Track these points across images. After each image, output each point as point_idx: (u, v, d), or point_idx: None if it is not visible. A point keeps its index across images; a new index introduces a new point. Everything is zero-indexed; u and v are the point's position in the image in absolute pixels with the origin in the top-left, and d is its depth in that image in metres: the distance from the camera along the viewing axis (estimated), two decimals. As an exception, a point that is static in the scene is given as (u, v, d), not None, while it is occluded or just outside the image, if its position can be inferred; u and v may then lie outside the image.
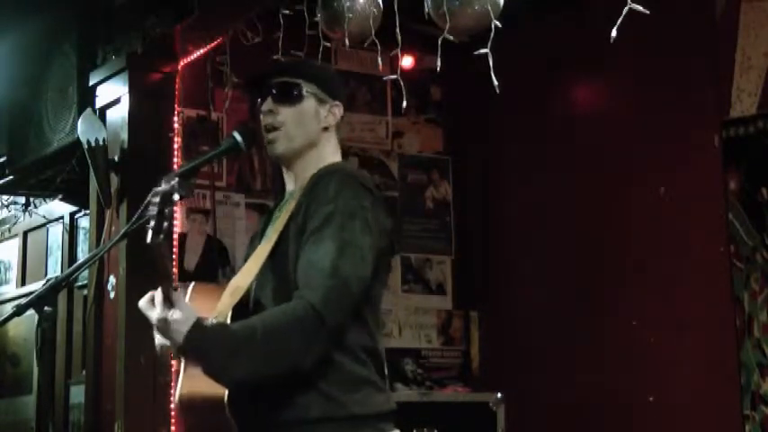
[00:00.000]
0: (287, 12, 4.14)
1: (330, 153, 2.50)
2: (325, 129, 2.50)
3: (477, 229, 5.76)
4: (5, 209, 6.99)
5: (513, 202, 5.55)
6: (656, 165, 4.74)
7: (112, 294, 4.84)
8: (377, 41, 3.69)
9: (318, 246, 2.24)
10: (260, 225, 2.57)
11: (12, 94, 5.80)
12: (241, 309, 2.29)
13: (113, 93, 4.97)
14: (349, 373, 2.27)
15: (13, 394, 7.00)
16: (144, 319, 2.16)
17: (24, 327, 6.70)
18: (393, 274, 5.37)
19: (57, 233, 6.72)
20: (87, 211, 5.57)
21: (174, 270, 4.81)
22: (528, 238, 5.44)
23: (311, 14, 3.98)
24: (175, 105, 4.97)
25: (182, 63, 4.94)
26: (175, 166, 4.80)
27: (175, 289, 2.11)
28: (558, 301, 5.14)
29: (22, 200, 6.72)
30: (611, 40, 2.73)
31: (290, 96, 2.46)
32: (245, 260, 2.44)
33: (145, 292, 2.17)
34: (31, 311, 2.28)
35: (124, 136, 4.86)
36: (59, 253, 6.66)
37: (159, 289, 2.10)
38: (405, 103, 3.68)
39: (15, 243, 7.29)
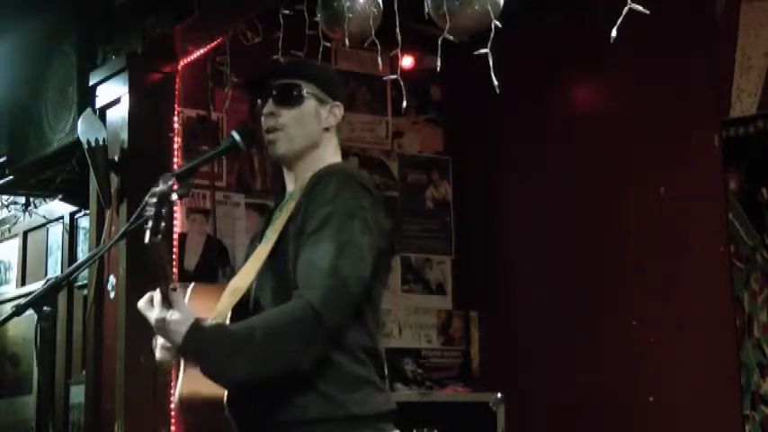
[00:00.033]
0: (287, 12, 4.14)
1: (330, 154, 2.50)
2: (326, 129, 2.50)
3: (477, 229, 5.76)
4: (5, 209, 6.99)
5: (513, 202, 5.55)
6: (656, 165, 4.74)
7: (112, 294, 4.84)
8: (377, 41, 3.69)
9: (317, 246, 2.24)
10: (260, 226, 2.57)
11: (12, 94, 5.80)
12: (241, 309, 2.28)
13: (113, 93, 4.97)
14: (348, 374, 2.27)
15: (13, 394, 7.00)
16: (144, 320, 2.17)
17: (24, 327, 6.70)
18: (393, 274, 5.37)
19: (57, 233, 6.72)
20: (87, 211, 5.57)
21: (174, 270, 4.81)
22: (528, 238, 5.44)
23: (311, 14, 3.98)
24: (175, 105, 4.97)
25: (182, 63, 4.95)
26: (175, 166, 4.80)
27: (174, 290, 2.11)
28: (558, 301, 5.14)
29: (22, 200, 6.72)
30: (611, 40, 2.73)
31: (290, 98, 2.46)
32: (246, 261, 2.44)
33: (145, 292, 2.17)
34: (30, 311, 2.28)
35: (124, 136, 4.86)
36: (59, 253, 6.66)
37: (158, 290, 2.11)
38: (405, 103, 3.68)
39: (15, 243, 7.29)
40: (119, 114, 4.95)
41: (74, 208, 6.37)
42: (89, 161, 4.82)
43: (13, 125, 5.78)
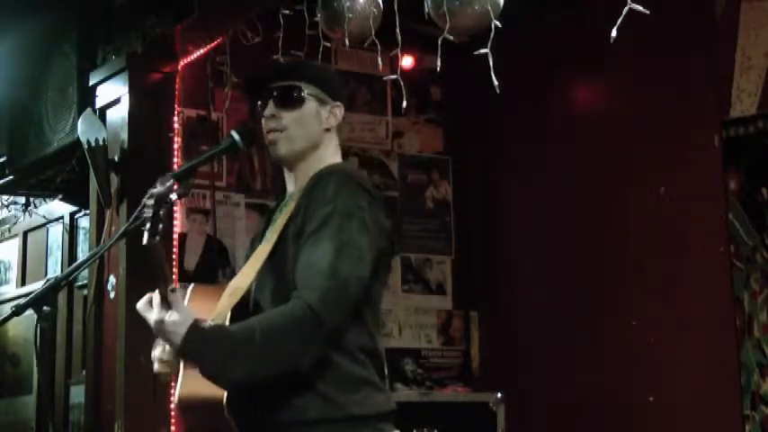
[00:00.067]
0: (287, 12, 4.14)
1: (331, 154, 2.50)
2: (327, 130, 2.50)
3: (477, 229, 5.76)
4: (5, 209, 6.99)
5: (513, 202, 5.55)
6: (656, 165, 4.74)
7: (112, 294, 4.84)
8: (377, 41, 3.69)
9: (317, 247, 2.24)
10: (260, 226, 2.57)
11: (12, 94, 5.80)
12: (240, 310, 2.28)
13: (113, 93, 4.97)
14: (348, 374, 2.27)
15: (13, 394, 7.00)
16: (144, 320, 2.16)
17: (24, 327, 6.70)
18: (393, 274, 5.36)
19: (57, 233, 6.72)
20: (87, 211, 5.57)
21: (174, 270, 4.81)
22: (528, 238, 5.44)
23: (311, 14, 3.98)
24: (175, 105, 4.97)
25: (182, 63, 4.94)
26: (175, 166, 4.80)
27: (174, 290, 2.11)
28: (558, 301, 5.14)
29: (22, 200, 6.72)
30: (611, 40, 2.73)
31: (291, 100, 2.46)
32: (246, 261, 2.44)
33: (145, 292, 2.17)
34: (30, 311, 2.28)
35: (124, 136, 4.86)
36: (59, 253, 6.66)
37: (157, 291, 2.10)
38: (405, 103, 3.68)
39: (15, 243, 7.29)
40: (119, 114, 4.95)
41: (74, 208, 6.37)
42: (89, 161, 4.82)
43: (13, 125, 5.78)
